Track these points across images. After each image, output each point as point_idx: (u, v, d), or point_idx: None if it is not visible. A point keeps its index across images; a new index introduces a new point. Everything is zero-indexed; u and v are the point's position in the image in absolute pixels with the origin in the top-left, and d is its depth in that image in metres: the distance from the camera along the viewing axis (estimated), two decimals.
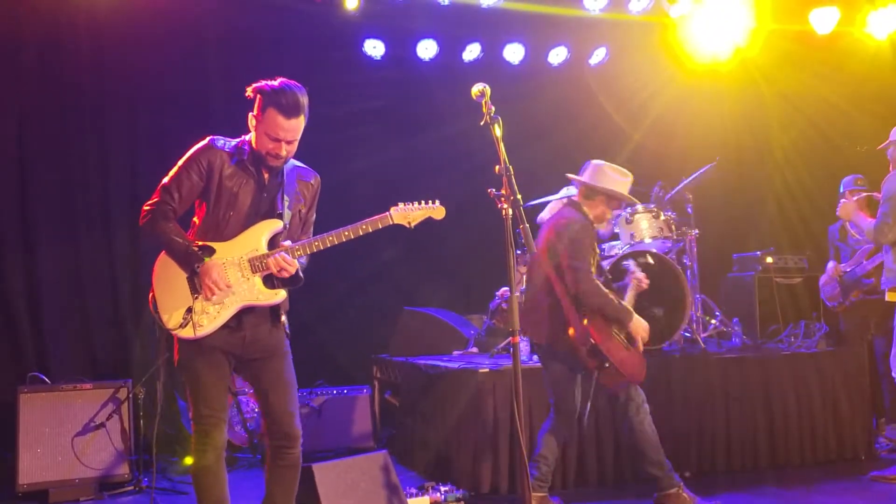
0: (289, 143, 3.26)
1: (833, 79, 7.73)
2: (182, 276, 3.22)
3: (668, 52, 7.82)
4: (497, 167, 3.19)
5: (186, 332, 3.20)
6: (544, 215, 5.56)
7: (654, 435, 4.40)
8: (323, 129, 7.20)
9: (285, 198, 3.34)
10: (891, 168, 5.17)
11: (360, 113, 7.36)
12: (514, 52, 7.79)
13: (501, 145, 3.22)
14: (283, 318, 3.41)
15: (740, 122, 8.28)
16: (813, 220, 7.98)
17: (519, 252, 5.66)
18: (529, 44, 7.81)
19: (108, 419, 5.13)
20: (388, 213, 3.44)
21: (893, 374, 4.91)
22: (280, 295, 3.32)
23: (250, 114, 3.30)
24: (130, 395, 5.22)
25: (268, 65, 6.98)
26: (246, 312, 3.28)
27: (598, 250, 4.49)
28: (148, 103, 6.61)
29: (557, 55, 7.93)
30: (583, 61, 8.04)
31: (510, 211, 3.16)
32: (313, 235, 3.49)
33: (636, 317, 4.39)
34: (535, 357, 4.64)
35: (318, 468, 3.90)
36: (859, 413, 5.62)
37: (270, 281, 3.30)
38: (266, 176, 3.34)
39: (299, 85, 3.26)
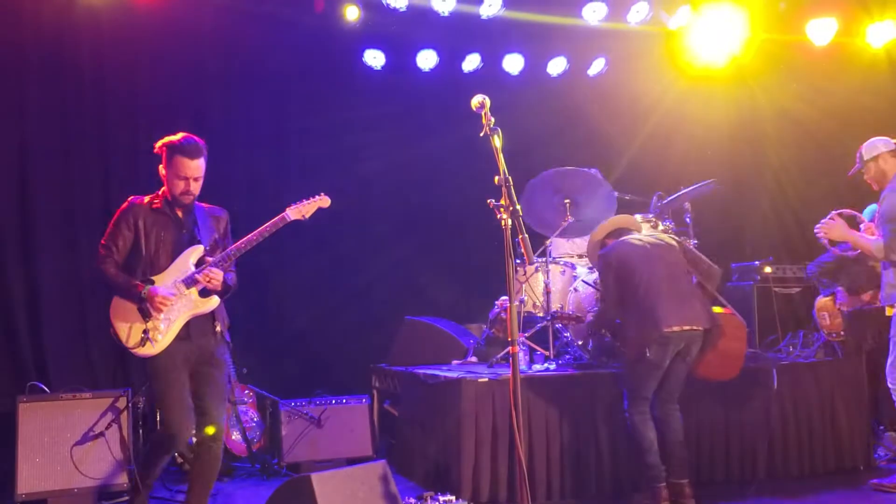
0: (196, 180, 3.99)
1: (830, 90, 7.76)
2: (133, 307, 3.91)
3: (667, 62, 7.86)
4: (496, 178, 3.21)
5: (147, 350, 3.89)
6: (651, 240, 5.02)
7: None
8: (323, 138, 7.32)
9: (201, 230, 4.07)
10: (874, 187, 5.15)
11: (359, 122, 7.39)
12: (513, 63, 7.83)
13: (501, 156, 3.24)
14: (219, 327, 4.08)
15: (738, 131, 8.31)
16: (811, 229, 8.00)
17: (518, 261, 5.67)
18: (529, 54, 7.84)
19: (107, 428, 5.12)
20: (285, 213, 4.13)
21: (888, 384, 4.91)
22: (214, 300, 4.03)
23: (160, 167, 4.02)
24: (130, 405, 5.22)
25: (268, 75, 7.11)
26: (191, 323, 3.99)
27: None
28: (149, 112, 6.63)
29: (557, 65, 7.97)
30: (582, 71, 8.07)
31: (509, 221, 3.18)
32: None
33: None
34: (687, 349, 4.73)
35: (316, 478, 3.89)
36: (858, 423, 5.62)
37: (205, 292, 3.99)
38: (181, 215, 4.08)
39: (197, 137, 4.02)
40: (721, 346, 4.82)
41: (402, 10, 6.95)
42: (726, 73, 7.95)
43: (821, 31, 7.54)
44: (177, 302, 3.91)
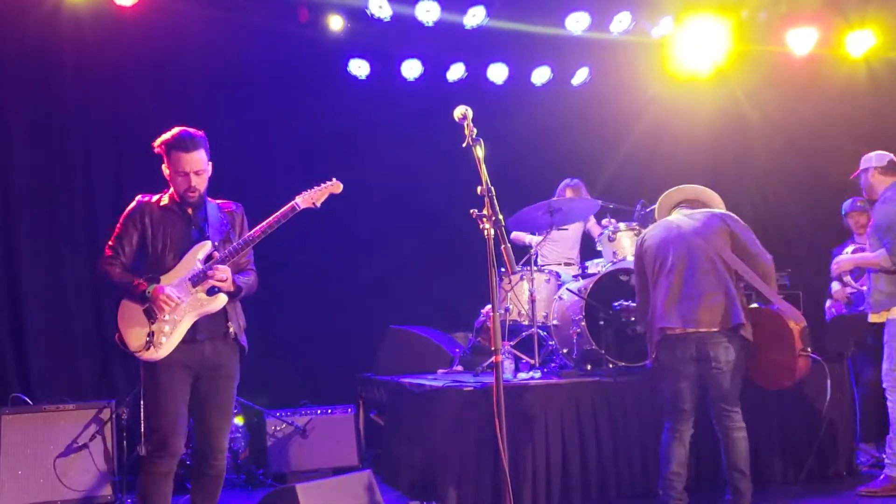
0: (197, 174, 3.75)
1: (811, 99, 7.85)
2: (139, 309, 3.67)
3: (650, 71, 7.92)
4: (479, 188, 3.24)
5: (150, 354, 3.62)
6: (686, 220, 4.62)
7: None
8: (307, 147, 7.31)
9: (211, 226, 3.84)
10: (864, 195, 5.30)
11: (344, 132, 7.40)
12: (497, 72, 7.87)
13: (483, 166, 3.27)
14: (232, 328, 3.79)
15: (721, 140, 8.37)
16: (793, 237, 8.08)
17: (502, 270, 5.69)
18: (513, 64, 7.89)
19: (91, 440, 5.11)
20: (294, 202, 3.87)
21: (883, 386, 4.96)
22: (221, 299, 3.72)
23: (162, 166, 3.81)
24: (113, 416, 5.20)
25: (252, 84, 7.11)
26: (199, 324, 3.70)
27: None
28: (132, 122, 6.60)
29: (541, 75, 8.01)
30: (566, 81, 8.12)
31: (492, 231, 3.21)
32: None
33: None
34: (713, 349, 4.16)
35: (301, 488, 3.90)
36: (841, 429, 5.66)
37: (212, 291, 3.72)
38: (190, 212, 3.84)
39: (193, 130, 3.79)
40: (760, 357, 4.31)
41: (386, 19, 6.97)
42: (710, 83, 8.01)
43: (801, 41, 7.64)
44: (183, 301, 3.66)
